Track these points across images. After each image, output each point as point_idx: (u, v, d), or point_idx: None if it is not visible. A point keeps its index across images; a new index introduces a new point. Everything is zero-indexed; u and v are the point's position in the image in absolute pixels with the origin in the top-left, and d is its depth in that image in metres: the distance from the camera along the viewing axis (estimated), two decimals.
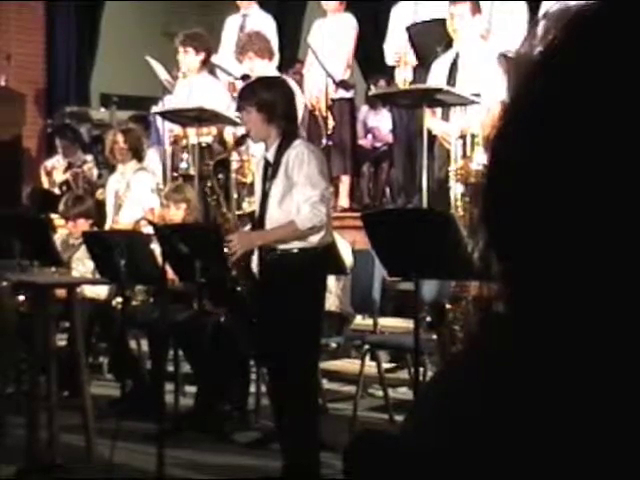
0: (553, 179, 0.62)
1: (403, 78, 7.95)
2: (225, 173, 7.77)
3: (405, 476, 0.68)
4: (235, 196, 7.75)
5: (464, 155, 6.58)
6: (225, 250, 4.99)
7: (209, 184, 5.54)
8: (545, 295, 0.64)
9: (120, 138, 7.53)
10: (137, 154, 7.60)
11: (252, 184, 7.41)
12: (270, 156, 4.85)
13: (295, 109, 5.06)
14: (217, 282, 5.41)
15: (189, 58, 8.26)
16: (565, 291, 0.62)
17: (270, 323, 4.83)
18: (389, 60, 8.27)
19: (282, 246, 4.80)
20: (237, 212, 7.15)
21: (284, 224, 4.76)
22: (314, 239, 4.78)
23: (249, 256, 5.03)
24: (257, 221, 5.00)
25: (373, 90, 9.44)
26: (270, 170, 4.83)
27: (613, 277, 0.61)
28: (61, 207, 7.39)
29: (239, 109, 5.07)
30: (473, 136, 6.56)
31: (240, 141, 5.53)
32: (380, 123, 10.54)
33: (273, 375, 5.06)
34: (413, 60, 7.94)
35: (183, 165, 8.15)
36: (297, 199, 4.72)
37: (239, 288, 5.13)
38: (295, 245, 4.78)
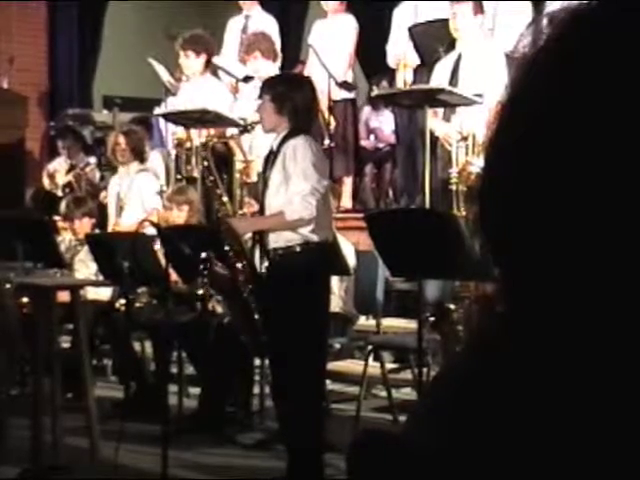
0: (549, 180, 0.63)
1: (403, 80, 7.96)
2: (229, 174, 7.77)
3: (407, 476, 0.68)
4: (239, 197, 7.75)
5: (466, 156, 6.58)
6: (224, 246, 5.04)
7: (205, 164, 5.58)
8: (541, 294, 0.64)
9: (122, 139, 7.52)
10: (139, 155, 7.60)
11: (257, 184, 7.41)
12: (275, 146, 4.91)
13: (311, 109, 5.05)
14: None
15: (190, 61, 8.24)
16: (561, 289, 0.63)
17: (274, 323, 4.84)
18: (391, 62, 8.27)
19: (283, 244, 4.82)
20: (240, 212, 7.17)
21: (274, 213, 4.85)
22: (312, 235, 4.79)
23: (252, 249, 5.08)
24: (258, 208, 5.12)
25: (375, 91, 9.42)
26: (271, 159, 4.89)
27: (607, 275, 0.61)
28: (63, 209, 7.37)
29: (260, 98, 5.15)
30: (474, 137, 6.55)
31: (245, 130, 5.54)
32: (382, 124, 10.51)
33: (277, 376, 5.06)
34: (413, 62, 7.95)
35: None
36: (291, 190, 4.76)
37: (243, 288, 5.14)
38: (296, 242, 4.80)
